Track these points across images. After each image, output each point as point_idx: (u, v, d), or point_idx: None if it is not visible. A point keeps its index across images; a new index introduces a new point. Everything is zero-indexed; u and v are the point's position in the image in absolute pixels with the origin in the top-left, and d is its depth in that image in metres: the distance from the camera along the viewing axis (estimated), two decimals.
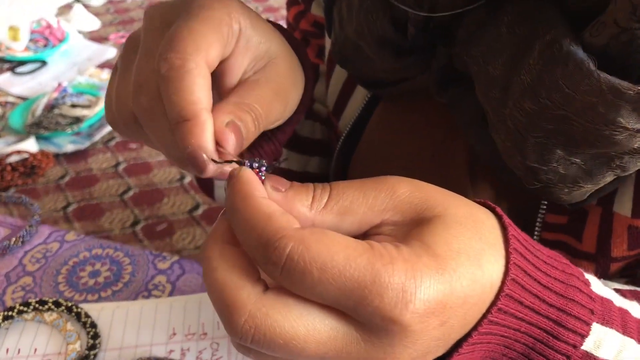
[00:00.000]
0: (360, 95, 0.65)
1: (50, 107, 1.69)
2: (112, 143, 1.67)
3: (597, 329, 0.38)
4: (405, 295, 0.31)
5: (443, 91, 0.52)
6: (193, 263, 0.83)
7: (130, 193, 1.50)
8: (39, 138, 1.59)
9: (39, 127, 1.60)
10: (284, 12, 2.00)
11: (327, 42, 0.70)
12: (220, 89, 0.45)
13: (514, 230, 0.37)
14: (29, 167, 1.49)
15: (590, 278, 0.40)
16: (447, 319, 0.33)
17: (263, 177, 0.37)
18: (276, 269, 0.31)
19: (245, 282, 0.33)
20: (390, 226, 0.36)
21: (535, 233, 0.53)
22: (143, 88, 0.41)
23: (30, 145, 1.55)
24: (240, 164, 0.37)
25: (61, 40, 2.14)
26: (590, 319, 0.38)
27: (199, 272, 0.81)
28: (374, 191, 0.36)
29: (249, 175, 0.35)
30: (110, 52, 2.11)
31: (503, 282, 0.35)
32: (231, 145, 0.40)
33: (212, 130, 0.39)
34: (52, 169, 1.54)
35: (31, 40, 2.13)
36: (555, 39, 0.39)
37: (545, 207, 0.52)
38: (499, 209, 0.38)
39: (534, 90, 0.40)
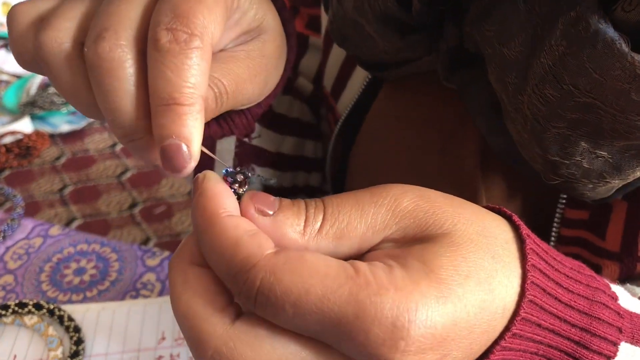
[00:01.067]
0: (360, 76, 0.61)
1: (45, 86, 1.66)
2: None
3: (626, 349, 0.35)
4: (396, 332, 0.27)
5: (452, 75, 0.48)
6: None
7: (128, 174, 1.49)
8: (33, 118, 1.56)
9: (34, 106, 1.58)
10: None
11: (324, 17, 0.66)
12: None
13: (532, 242, 0.33)
14: (24, 148, 1.48)
15: (618, 291, 0.37)
16: (449, 352, 0.29)
17: (243, 192, 0.32)
18: (248, 301, 0.29)
19: (211, 312, 0.30)
20: (391, 243, 0.32)
21: (554, 230, 0.50)
22: (112, 34, 0.35)
23: (25, 125, 1.52)
24: (228, 173, 0.33)
25: None
26: (618, 338, 0.34)
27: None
28: (374, 207, 0.32)
29: (215, 187, 0.31)
30: None
31: (519, 305, 0.32)
32: None
33: (203, 123, 0.34)
34: (48, 150, 1.51)
35: None
36: (581, 16, 0.35)
37: (564, 201, 0.49)
38: (515, 217, 0.34)
39: (556, 75, 0.37)
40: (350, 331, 0.27)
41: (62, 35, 0.36)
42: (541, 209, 0.51)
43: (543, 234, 0.49)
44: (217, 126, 0.48)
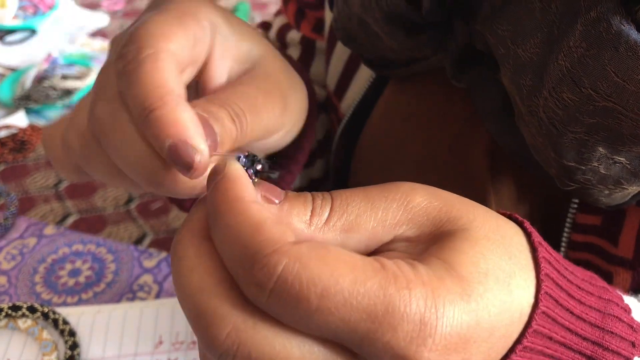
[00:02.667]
0: (365, 75, 0.60)
1: (40, 79, 1.64)
2: None
3: None
4: (424, 329, 0.26)
5: (461, 74, 0.46)
6: None
7: None
8: (28, 111, 1.55)
9: (29, 100, 1.57)
10: (273, 8, 1.95)
11: (328, 15, 0.64)
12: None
13: (544, 251, 0.32)
14: (19, 142, 1.47)
15: (632, 303, 0.36)
16: (470, 356, 0.28)
17: (254, 179, 0.31)
18: (262, 291, 0.26)
19: (228, 289, 0.27)
20: (404, 242, 0.31)
21: (564, 235, 0.49)
22: (98, 97, 0.35)
23: (20, 119, 1.50)
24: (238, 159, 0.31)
25: (51, 7, 2.09)
26: (632, 353, 0.34)
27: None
28: (384, 202, 0.30)
29: (237, 172, 0.29)
30: (102, 20, 2.05)
31: (531, 316, 0.31)
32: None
33: (193, 115, 0.33)
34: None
35: (20, 7, 2.07)
36: (602, 16, 0.34)
37: (576, 205, 0.48)
38: (527, 224, 0.33)
39: (575, 78, 0.35)
40: (377, 328, 0.26)
41: (76, 129, 0.38)
42: (552, 213, 0.49)
43: (553, 239, 0.49)
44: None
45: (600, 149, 0.38)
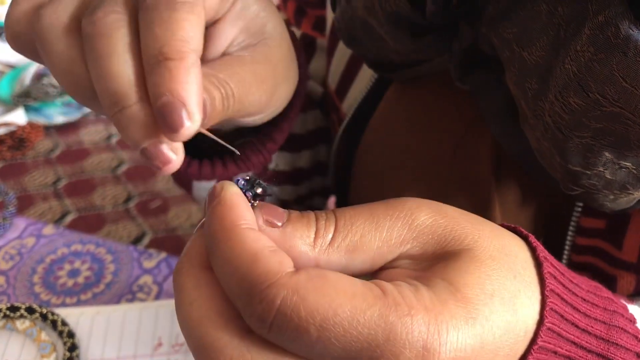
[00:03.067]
0: (367, 75, 0.59)
1: (40, 76, 1.64)
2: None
3: None
4: (427, 355, 0.26)
5: (465, 76, 0.46)
6: None
7: (124, 167, 1.47)
8: (27, 109, 1.55)
9: (28, 97, 1.57)
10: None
11: (329, 15, 0.64)
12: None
13: (549, 266, 0.32)
14: (18, 139, 1.47)
15: (636, 312, 0.35)
16: None
17: (254, 203, 0.30)
18: (263, 324, 0.26)
19: (228, 319, 0.28)
20: (408, 260, 0.30)
21: (568, 238, 0.48)
22: (108, 3, 0.33)
23: (19, 116, 1.51)
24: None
25: None
26: None
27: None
28: (389, 220, 0.30)
29: (233, 197, 0.29)
30: None
31: (537, 332, 0.30)
32: None
33: (200, 81, 0.32)
34: (42, 142, 1.51)
35: None
36: (610, 20, 0.33)
37: (580, 209, 0.47)
38: (532, 238, 0.33)
39: (582, 83, 0.35)
40: (379, 356, 0.26)
41: (60, 10, 0.35)
42: (556, 216, 0.49)
43: (557, 242, 0.48)
44: (235, 166, 0.47)
45: (607, 153, 0.37)
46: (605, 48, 0.33)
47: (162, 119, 0.31)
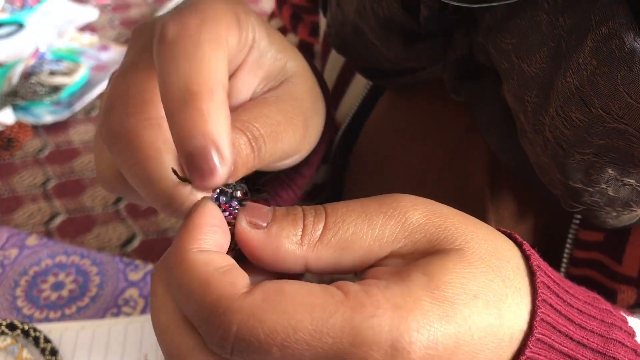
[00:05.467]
0: (361, 83, 0.58)
1: (28, 75, 1.63)
2: (94, 113, 1.61)
3: None
4: (396, 355, 0.26)
5: (460, 86, 0.45)
6: None
7: None
8: (15, 108, 1.54)
9: (16, 96, 1.56)
10: (267, 4, 1.92)
11: (322, 21, 0.62)
12: None
13: (543, 275, 0.31)
14: (6, 139, 1.47)
15: (635, 325, 0.34)
16: None
17: (236, 207, 0.30)
18: (224, 351, 0.26)
19: (192, 327, 0.28)
20: (398, 258, 0.30)
21: (566, 252, 0.47)
22: (117, 103, 0.32)
23: (7, 116, 1.51)
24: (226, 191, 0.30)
25: (39, 1, 2.07)
26: None
27: None
28: (382, 217, 0.30)
29: (196, 219, 0.28)
30: (91, 14, 2.03)
31: (524, 342, 0.30)
32: None
33: (229, 122, 0.29)
34: (30, 142, 1.50)
35: (8, 1, 2.05)
36: (614, 33, 0.32)
37: (578, 221, 0.46)
38: (526, 246, 0.32)
39: (584, 97, 0.34)
40: None
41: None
42: (553, 229, 0.48)
43: (554, 255, 0.47)
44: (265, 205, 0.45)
45: (610, 170, 0.36)
46: (609, 61, 0.32)
47: (192, 166, 0.28)
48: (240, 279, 0.27)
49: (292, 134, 0.37)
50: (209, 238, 0.28)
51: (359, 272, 0.31)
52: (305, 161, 0.45)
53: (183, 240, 0.28)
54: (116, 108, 0.32)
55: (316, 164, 0.45)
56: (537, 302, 0.30)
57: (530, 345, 0.29)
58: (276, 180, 0.45)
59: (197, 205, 0.29)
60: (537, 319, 0.30)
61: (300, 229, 0.29)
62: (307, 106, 0.39)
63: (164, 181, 0.32)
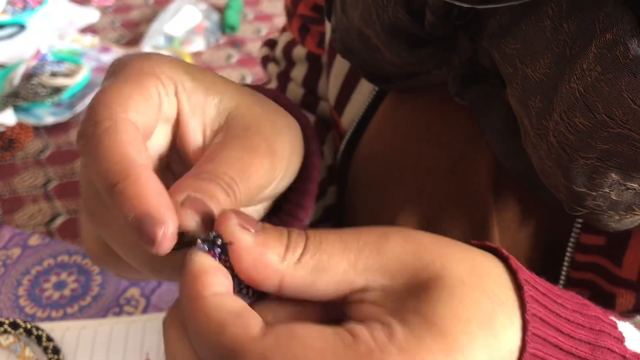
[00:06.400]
0: (366, 89, 0.58)
1: (29, 76, 1.62)
2: None
3: None
4: None
5: (464, 91, 0.45)
6: None
7: None
8: (16, 109, 1.53)
9: (17, 97, 1.55)
10: (278, 20, 1.92)
11: (327, 28, 0.62)
12: (188, 167, 0.37)
13: (531, 288, 0.32)
14: (7, 140, 1.46)
15: (625, 330, 0.35)
16: None
17: (223, 257, 0.30)
18: None
19: None
20: (378, 291, 0.30)
21: (567, 255, 0.47)
22: (86, 190, 0.35)
23: (8, 117, 1.48)
24: (196, 241, 0.30)
25: (40, 2, 2.06)
26: None
27: (177, 284, 0.74)
28: (357, 243, 0.31)
29: (198, 266, 0.29)
30: (92, 16, 2.03)
31: (520, 357, 0.30)
32: (195, 225, 0.32)
33: (157, 186, 0.31)
34: (32, 143, 1.49)
35: (9, 2, 2.05)
36: (619, 39, 0.32)
37: (580, 225, 0.46)
38: (512, 260, 0.33)
39: (588, 103, 0.34)
40: None
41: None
42: (555, 233, 0.48)
43: (555, 259, 0.48)
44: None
45: (613, 175, 0.36)
46: (613, 68, 0.32)
47: (140, 239, 0.30)
48: (253, 321, 0.28)
49: (260, 164, 0.37)
50: (217, 281, 0.29)
51: (340, 302, 0.31)
52: (302, 190, 0.45)
53: (195, 286, 0.29)
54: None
55: (314, 192, 0.45)
56: (526, 316, 0.30)
57: None
58: (279, 219, 0.45)
59: (190, 254, 0.30)
60: (529, 333, 0.30)
61: (284, 246, 0.30)
62: (264, 129, 0.38)
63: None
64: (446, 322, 0.28)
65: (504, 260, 0.33)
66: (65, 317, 0.72)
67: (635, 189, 0.37)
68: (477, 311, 0.29)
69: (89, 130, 0.32)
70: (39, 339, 0.63)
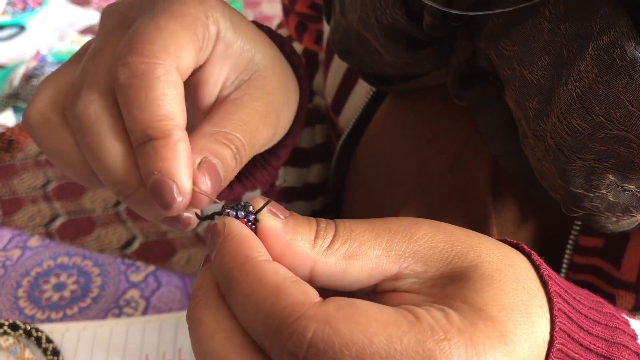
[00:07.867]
0: (363, 89, 0.58)
1: (29, 77, 1.62)
2: None
3: None
4: None
5: (462, 92, 0.45)
6: (170, 275, 0.75)
7: None
8: (16, 110, 1.52)
9: (17, 98, 1.55)
10: (277, 22, 1.92)
11: (326, 28, 0.62)
12: (194, 105, 0.38)
13: (555, 284, 0.31)
14: (6, 141, 1.45)
15: (637, 327, 0.35)
16: None
17: (253, 226, 0.29)
18: (294, 358, 0.25)
19: (253, 352, 0.27)
20: (413, 278, 0.29)
21: (566, 257, 0.47)
22: (85, 92, 0.33)
23: (8, 118, 1.48)
24: (223, 211, 0.30)
25: (40, 4, 2.06)
26: None
27: (177, 285, 0.74)
28: (388, 232, 0.30)
29: (239, 231, 0.28)
30: (92, 17, 2.03)
31: (548, 354, 0.30)
32: (206, 189, 0.33)
33: (188, 154, 0.32)
34: (31, 144, 1.48)
35: (9, 3, 2.04)
36: (615, 42, 0.32)
37: (578, 227, 0.46)
38: (535, 256, 0.33)
39: (586, 105, 0.34)
40: None
41: (41, 105, 0.35)
42: (553, 235, 0.48)
43: (554, 260, 0.48)
44: (241, 186, 0.46)
45: (610, 176, 0.36)
46: (610, 70, 0.32)
47: (155, 197, 0.31)
48: (311, 290, 0.27)
49: (266, 133, 0.39)
50: (261, 248, 0.28)
51: (371, 293, 0.31)
52: (280, 142, 0.45)
53: (242, 250, 0.28)
54: (83, 92, 0.34)
55: (291, 144, 0.46)
56: (554, 311, 0.30)
57: (552, 356, 0.30)
58: (251, 162, 0.46)
59: (226, 221, 0.29)
60: (557, 328, 0.30)
61: (314, 233, 0.29)
62: (279, 100, 0.40)
63: (116, 168, 0.33)
64: (493, 309, 0.28)
65: (527, 256, 0.33)
66: (64, 318, 0.71)
67: (632, 191, 0.37)
68: (517, 299, 0.29)
69: (138, 66, 0.32)
70: (38, 340, 0.63)
